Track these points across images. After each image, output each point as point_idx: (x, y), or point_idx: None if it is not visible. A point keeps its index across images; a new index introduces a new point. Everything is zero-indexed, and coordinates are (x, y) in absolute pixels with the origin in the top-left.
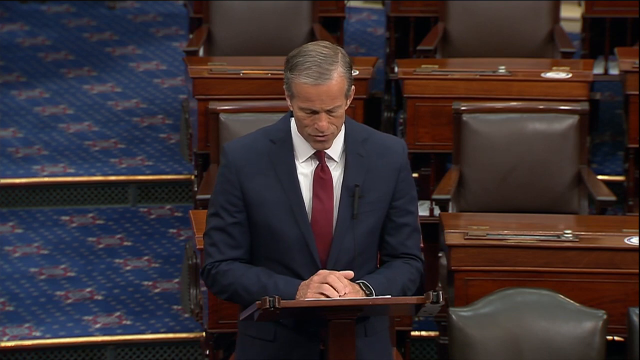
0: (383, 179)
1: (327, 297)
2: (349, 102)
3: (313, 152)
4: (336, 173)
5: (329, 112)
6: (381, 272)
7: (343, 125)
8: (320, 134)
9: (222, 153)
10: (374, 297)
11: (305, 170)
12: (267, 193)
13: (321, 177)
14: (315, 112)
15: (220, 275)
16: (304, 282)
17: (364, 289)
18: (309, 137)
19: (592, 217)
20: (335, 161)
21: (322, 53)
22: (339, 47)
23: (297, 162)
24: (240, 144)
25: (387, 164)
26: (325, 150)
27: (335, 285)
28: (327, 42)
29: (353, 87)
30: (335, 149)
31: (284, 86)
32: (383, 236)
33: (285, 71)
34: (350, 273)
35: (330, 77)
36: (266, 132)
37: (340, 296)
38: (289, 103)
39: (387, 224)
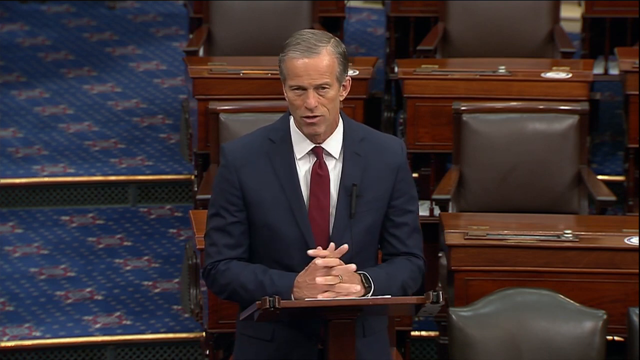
0: (381, 179)
1: (338, 294)
2: (345, 93)
3: (311, 147)
4: (334, 172)
5: (317, 89)
6: (382, 267)
7: (341, 124)
8: (310, 114)
9: (221, 153)
10: (373, 297)
11: (302, 167)
12: (266, 192)
13: (318, 173)
14: (304, 89)
15: (219, 275)
16: (299, 279)
17: (364, 281)
18: (300, 121)
19: (592, 217)
20: (335, 158)
21: (313, 33)
22: (335, 37)
23: (296, 161)
24: (239, 144)
25: (385, 164)
26: (323, 147)
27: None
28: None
29: (349, 77)
30: (334, 148)
31: (279, 76)
32: (383, 235)
33: (279, 59)
34: (337, 259)
35: (318, 51)
36: (265, 132)
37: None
38: (285, 94)
39: (387, 223)
